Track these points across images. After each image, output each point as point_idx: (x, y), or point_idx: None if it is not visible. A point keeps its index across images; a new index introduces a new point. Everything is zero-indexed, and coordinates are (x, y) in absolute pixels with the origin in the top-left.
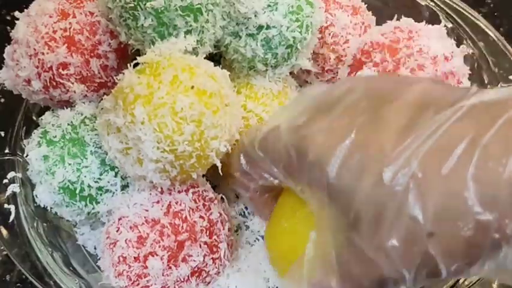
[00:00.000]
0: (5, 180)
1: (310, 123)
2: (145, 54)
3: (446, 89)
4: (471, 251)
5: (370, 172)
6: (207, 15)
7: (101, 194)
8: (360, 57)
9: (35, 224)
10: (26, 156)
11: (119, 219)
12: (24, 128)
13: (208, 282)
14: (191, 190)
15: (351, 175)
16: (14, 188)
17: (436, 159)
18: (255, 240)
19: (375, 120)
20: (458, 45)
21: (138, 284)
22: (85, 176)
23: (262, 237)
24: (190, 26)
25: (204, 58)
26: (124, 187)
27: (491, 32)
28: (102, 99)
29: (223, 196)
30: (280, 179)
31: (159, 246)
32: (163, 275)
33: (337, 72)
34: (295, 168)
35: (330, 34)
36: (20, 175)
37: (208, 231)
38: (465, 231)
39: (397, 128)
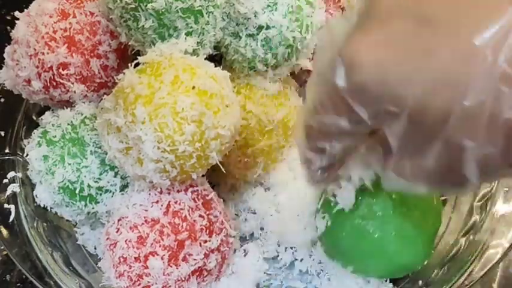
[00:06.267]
0: (5, 180)
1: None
2: (145, 54)
3: None
4: None
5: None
6: (208, 17)
7: (100, 194)
8: None
9: (35, 224)
10: (26, 156)
11: (119, 219)
12: (24, 128)
13: (209, 282)
14: (190, 189)
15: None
16: (14, 188)
17: None
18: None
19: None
20: None
21: (139, 284)
22: (85, 176)
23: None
24: (191, 27)
25: (205, 59)
26: (123, 187)
27: None
28: (102, 99)
29: (222, 196)
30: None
31: (160, 246)
32: (164, 275)
33: None
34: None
35: None
36: (20, 175)
37: (208, 230)
38: None
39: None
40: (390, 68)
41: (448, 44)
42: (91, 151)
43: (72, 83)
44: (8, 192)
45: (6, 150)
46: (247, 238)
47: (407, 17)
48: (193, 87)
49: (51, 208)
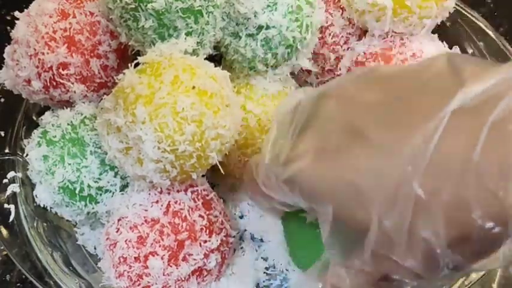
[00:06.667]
0: (5, 180)
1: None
2: (145, 54)
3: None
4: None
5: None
6: (208, 17)
7: (100, 194)
8: (354, 69)
9: (35, 224)
10: (26, 156)
11: (119, 219)
12: (24, 128)
13: (209, 282)
14: (190, 189)
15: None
16: (14, 188)
17: (436, 182)
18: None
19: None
20: (450, 48)
21: (139, 285)
22: (85, 176)
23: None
24: (191, 27)
25: (205, 59)
26: (123, 187)
27: (491, 32)
28: (102, 99)
29: (222, 196)
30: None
31: (159, 246)
32: (164, 275)
33: (339, 75)
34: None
35: (330, 34)
36: (20, 175)
37: (208, 230)
38: (478, 249)
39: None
40: (319, 174)
41: (373, 165)
42: (91, 151)
43: (72, 83)
44: (8, 192)
45: (6, 150)
46: (247, 238)
47: (342, 130)
48: (193, 87)
49: (51, 208)
